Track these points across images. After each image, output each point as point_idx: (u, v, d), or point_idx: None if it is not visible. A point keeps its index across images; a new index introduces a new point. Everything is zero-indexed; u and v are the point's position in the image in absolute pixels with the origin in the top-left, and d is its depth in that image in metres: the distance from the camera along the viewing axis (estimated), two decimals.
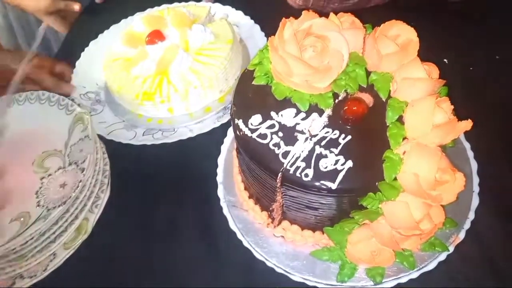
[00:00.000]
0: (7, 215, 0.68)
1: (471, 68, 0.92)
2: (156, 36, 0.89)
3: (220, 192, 0.73)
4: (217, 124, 0.84)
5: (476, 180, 0.69)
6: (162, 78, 0.86)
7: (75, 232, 0.71)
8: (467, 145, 0.73)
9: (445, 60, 0.92)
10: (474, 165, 0.71)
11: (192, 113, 0.89)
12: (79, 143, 0.74)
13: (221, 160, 0.77)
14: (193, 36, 0.90)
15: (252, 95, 0.64)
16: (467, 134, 0.74)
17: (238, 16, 1.04)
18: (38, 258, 0.68)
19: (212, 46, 0.90)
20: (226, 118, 0.85)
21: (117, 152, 0.82)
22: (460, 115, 0.57)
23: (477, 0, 1.04)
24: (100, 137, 0.81)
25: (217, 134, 0.82)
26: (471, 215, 0.66)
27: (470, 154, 0.72)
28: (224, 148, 0.79)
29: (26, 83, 0.86)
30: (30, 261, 0.67)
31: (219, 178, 0.75)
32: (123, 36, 0.93)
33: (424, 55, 0.61)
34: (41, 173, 0.73)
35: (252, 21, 1.03)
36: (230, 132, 0.80)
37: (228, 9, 1.05)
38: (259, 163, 0.59)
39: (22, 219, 0.68)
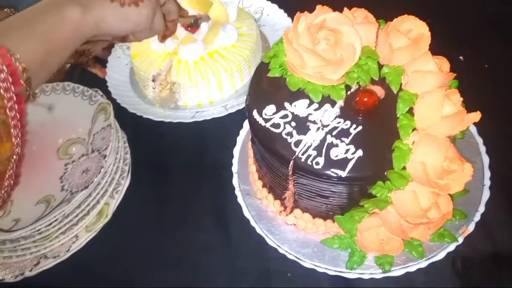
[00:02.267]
0: (33, 197, 0.72)
1: (486, 66, 0.92)
2: None
3: (235, 181, 0.76)
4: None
5: (487, 174, 0.70)
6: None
7: (96, 216, 0.74)
8: (479, 140, 0.74)
9: (460, 57, 0.92)
10: (486, 160, 0.72)
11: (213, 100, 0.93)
12: (101, 131, 0.77)
13: (236, 151, 0.80)
14: (225, 36, 0.92)
15: (267, 86, 0.66)
16: (480, 129, 0.75)
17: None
18: (61, 239, 0.71)
19: (234, 50, 0.92)
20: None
21: (137, 142, 0.86)
22: (472, 110, 0.58)
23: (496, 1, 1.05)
24: (122, 128, 0.84)
25: (234, 127, 0.84)
26: (481, 208, 0.67)
27: (483, 148, 0.73)
28: (239, 139, 0.81)
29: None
30: (54, 242, 0.71)
31: (234, 168, 0.78)
32: None
33: (439, 53, 0.62)
34: (65, 159, 0.77)
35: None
36: (246, 124, 0.83)
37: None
38: (272, 152, 0.61)
39: (47, 202, 0.71)
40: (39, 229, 0.68)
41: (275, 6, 1.06)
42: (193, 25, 0.90)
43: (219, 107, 0.90)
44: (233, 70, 0.90)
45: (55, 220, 0.69)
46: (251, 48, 0.92)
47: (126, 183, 0.79)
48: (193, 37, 0.92)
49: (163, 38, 0.73)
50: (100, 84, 0.91)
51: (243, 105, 0.86)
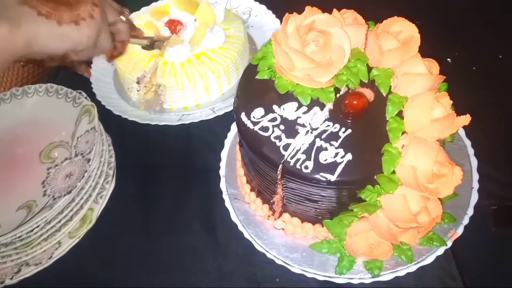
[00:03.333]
0: (14, 203, 0.70)
1: (474, 68, 0.92)
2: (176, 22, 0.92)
3: (223, 185, 0.75)
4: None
5: (476, 176, 0.70)
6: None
7: (80, 222, 0.72)
8: (467, 143, 0.74)
9: (448, 59, 0.93)
10: (474, 162, 0.72)
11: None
12: (85, 134, 0.75)
13: (224, 154, 0.79)
14: (212, 37, 0.91)
15: (255, 88, 0.65)
16: (468, 131, 0.75)
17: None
18: (43, 246, 0.69)
19: (221, 52, 0.91)
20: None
21: (122, 145, 0.84)
22: (461, 113, 0.57)
23: (483, 1, 1.05)
24: (106, 130, 0.82)
25: (220, 129, 0.83)
26: (470, 211, 0.67)
27: (471, 151, 0.73)
28: (227, 142, 0.80)
29: None
30: (36, 249, 0.69)
31: (222, 172, 0.76)
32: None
33: (428, 54, 0.62)
34: (48, 163, 0.75)
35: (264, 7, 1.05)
36: (234, 126, 0.81)
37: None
38: (260, 155, 0.60)
39: (28, 207, 0.69)
40: (20, 236, 0.66)
41: (263, 7, 1.05)
42: (148, 47, 0.85)
43: (207, 110, 0.89)
44: (220, 73, 0.88)
45: (37, 227, 0.67)
46: (239, 50, 0.91)
47: (110, 187, 0.77)
48: (179, 39, 0.90)
49: (110, 58, 0.71)
50: (83, 85, 0.88)
51: (230, 108, 0.84)
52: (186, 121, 0.86)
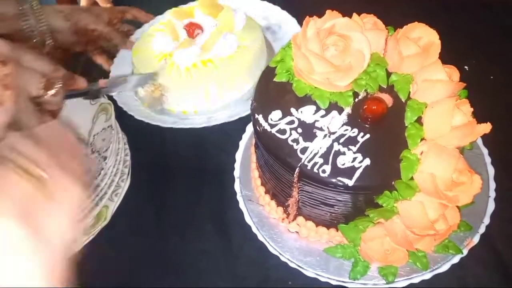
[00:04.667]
0: None
1: (491, 77, 0.92)
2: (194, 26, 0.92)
3: (237, 186, 0.75)
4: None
5: (492, 185, 0.69)
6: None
7: (94, 219, 0.73)
8: (485, 151, 0.73)
9: (466, 67, 0.92)
10: (491, 171, 0.71)
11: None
12: (102, 132, 0.76)
13: (238, 155, 0.79)
14: (223, 44, 0.89)
15: (273, 91, 0.65)
16: (485, 140, 0.74)
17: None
18: None
19: (229, 62, 0.89)
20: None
21: (138, 144, 0.84)
22: (478, 121, 0.57)
23: (504, 11, 1.04)
24: (123, 129, 0.83)
25: (236, 130, 0.83)
26: (486, 220, 0.66)
27: (488, 159, 0.72)
28: (242, 143, 0.80)
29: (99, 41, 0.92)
30: None
31: (236, 173, 0.76)
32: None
33: (445, 62, 0.61)
34: None
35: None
36: (248, 128, 0.82)
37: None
38: (277, 158, 0.60)
39: None
40: None
41: (294, 20, 1.01)
42: (90, 97, 0.73)
43: (204, 118, 0.87)
44: (222, 82, 0.87)
45: None
46: (249, 62, 0.89)
47: (125, 185, 0.77)
48: (193, 41, 0.90)
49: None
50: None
51: (229, 119, 0.84)
52: (179, 125, 0.85)
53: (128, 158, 0.80)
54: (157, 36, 0.93)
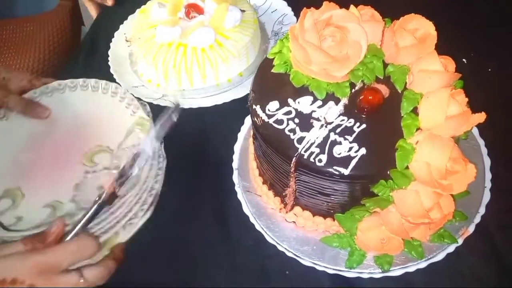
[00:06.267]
0: (43, 198, 0.66)
1: (489, 70, 0.92)
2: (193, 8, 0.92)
3: (235, 177, 0.75)
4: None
5: (488, 176, 0.70)
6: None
7: None
8: (481, 142, 0.74)
9: (464, 60, 0.92)
10: (487, 162, 0.72)
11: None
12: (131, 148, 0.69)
13: (237, 147, 0.79)
14: (231, 17, 0.91)
15: (271, 82, 0.66)
16: (482, 131, 0.75)
17: None
18: None
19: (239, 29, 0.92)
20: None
21: None
22: (475, 113, 0.57)
23: (501, 3, 1.05)
24: None
25: (234, 122, 0.84)
26: (482, 210, 0.67)
27: (484, 150, 0.73)
28: (240, 135, 0.81)
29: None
30: None
31: (235, 164, 0.77)
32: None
33: (444, 54, 0.62)
34: (87, 166, 0.69)
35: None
36: (247, 120, 0.82)
37: None
38: (274, 148, 0.61)
39: (53, 207, 0.65)
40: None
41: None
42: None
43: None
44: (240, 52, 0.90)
45: None
46: (252, 34, 0.92)
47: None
48: (180, 22, 0.91)
49: None
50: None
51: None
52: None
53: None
54: (155, 5, 0.93)
